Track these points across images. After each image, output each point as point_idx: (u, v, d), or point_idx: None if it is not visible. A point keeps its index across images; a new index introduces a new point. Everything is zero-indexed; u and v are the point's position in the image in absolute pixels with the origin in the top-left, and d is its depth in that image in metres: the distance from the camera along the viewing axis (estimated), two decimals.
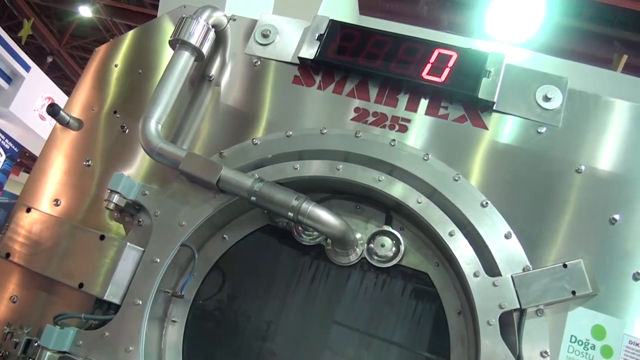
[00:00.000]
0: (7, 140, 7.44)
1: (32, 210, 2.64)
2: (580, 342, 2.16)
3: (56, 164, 2.81)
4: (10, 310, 2.56)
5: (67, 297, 2.52)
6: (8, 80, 7.02)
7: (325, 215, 2.36)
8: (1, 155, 7.44)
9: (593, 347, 2.15)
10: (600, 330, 2.17)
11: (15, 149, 7.99)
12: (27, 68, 7.21)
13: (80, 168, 2.77)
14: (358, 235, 2.56)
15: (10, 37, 8.78)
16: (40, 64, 9.19)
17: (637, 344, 2.14)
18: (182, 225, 2.47)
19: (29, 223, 2.60)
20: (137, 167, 2.72)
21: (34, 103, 7.06)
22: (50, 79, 10.06)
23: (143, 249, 2.45)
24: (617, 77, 6.88)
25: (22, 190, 2.81)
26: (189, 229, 2.46)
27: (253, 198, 2.38)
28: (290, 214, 2.35)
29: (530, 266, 2.24)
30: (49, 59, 10.92)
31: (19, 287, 2.59)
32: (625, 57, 7.22)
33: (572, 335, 2.18)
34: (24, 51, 8.76)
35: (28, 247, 2.55)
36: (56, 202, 2.72)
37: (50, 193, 2.75)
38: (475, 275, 2.25)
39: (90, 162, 2.77)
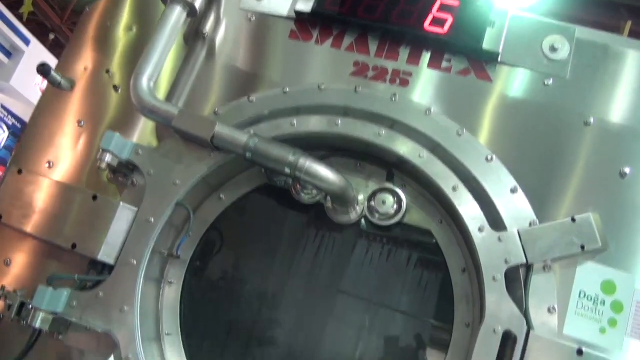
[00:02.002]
0: (9, 117, 7.38)
1: (24, 172, 2.58)
2: (589, 298, 2.09)
3: (48, 125, 2.74)
4: (3, 274, 2.52)
5: (62, 260, 2.48)
6: (8, 54, 6.93)
7: (323, 171, 2.28)
8: (4, 132, 7.38)
9: (603, 303, 2.08)
10: (611, 286, 2.10)
11: (19, 125, 7.95)
12: (27, 42, 7.12)
13: (72, 129, 2.70)
14: (360, 197, 2.49)
15: (12, 14, 8.70)
16: (43, 41, 9.09)
17: None
18: (176, 185, 2.40)
19: (21, 185, 2.55)
20: (130, 127, 2.64)
21: (34, 77, 6.99)
22: (53, 55, 9.99)
23: (137, 209, 2.40)
24: (624, 42, 6.72)
25: (14, 152, 2.75)
26: (184, 188, 2.40)
27: (249, 154, 2.30)
28: (288, 170, 2.28)
29: (537, 221, 2.16)
30: (52, 37, 10.84)
31: (12, 250, 2.55)
32: (629, 24, 7.04)
33: (581, 291, 2.10)
34: (26, 28, 8.68)
35: (20, 209, 2.51)
36: (49, 164, 2.65)
37: (42, 155, 2.68)
38: (480, 230, 2.17)
39: (82, 122, 2.70)
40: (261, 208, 2.64)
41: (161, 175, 2.42)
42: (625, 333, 2.04)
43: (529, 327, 2.04)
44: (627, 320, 2.05)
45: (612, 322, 2.06)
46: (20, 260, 2.53)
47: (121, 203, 2.40)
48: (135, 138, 2.61)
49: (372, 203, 2.47)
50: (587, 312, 2.07)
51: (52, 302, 2.25)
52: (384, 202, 2.45)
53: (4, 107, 6.86)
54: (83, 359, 2.33)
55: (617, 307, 2.07)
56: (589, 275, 2.11)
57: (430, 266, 2.45)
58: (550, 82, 2.38)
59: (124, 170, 2.51)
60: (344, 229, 2.53)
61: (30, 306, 2.27)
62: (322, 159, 2.49)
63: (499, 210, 2.19)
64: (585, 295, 2.09)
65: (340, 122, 2.38)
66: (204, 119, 2.41)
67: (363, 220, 2.51)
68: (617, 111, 2.32)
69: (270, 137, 2.38)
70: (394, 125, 2.38)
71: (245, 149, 2.30)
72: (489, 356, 2.02)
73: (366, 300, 2.51)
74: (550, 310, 2.07)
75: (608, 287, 2.09)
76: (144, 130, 2.63)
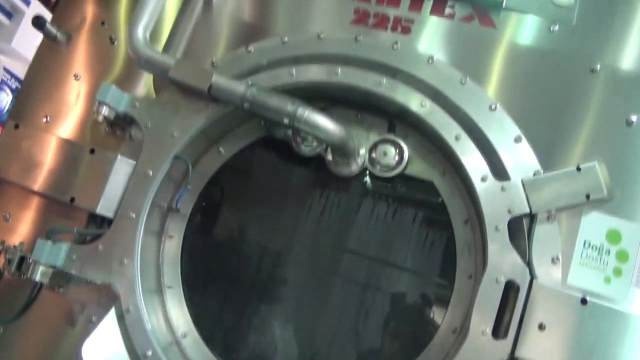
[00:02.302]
0: (12, 79, 7.29)
1: (21, 126, 2.57)
2: (594, 248, 2.05)
3: (45, 79, 2.70)
4: (3, 229, 2.52)
5: (62, 214, 2.47)
6: (9, 15, 6.79)
7: (323, 121, 2.23)
8: (8, 95, 7.32)
9: (608, 252, 2.04)
10: (616, 235, 2.05)
11: None
12: (27, 2, 6.97)
13: (69, 83, 2.66)
14: (362, 151, 2.45)
15: None
16: (46, 3, 8.95)
17: None
18: (174, 137, 2.37)
19: (18, 140, 2.54)
20: (129, 79, 2.60)
21: (36, 38, 6.88)
22: None
23: (135, 162, 2.38)
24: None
25: (11, 107, 2.73)
26: (181, 140, 2.37)
27: (246, 105, 2.26)
28: (286, 121, 2.23)
29: (542, 171, 2.11)
30: None
31: (11, 205, 2.55)
32: None
33: (585, 241, 2.06)
34: None
35: (18, 163, 2.50)
36: (46, 118, 2.63)
37: (39, 109, 2.65)
38: (483, 179, 2.13)
39: (79, 76, 2.66)
40: (261, 161, 2.61)
41: (159, 128, 2.39)
42: (630, 283, 2.00)
43: (532, 276, 2.01)
44: (632, 270, 2.01)
45: (617, 272, 2.02)
46: (19, 215, 2.53)
47: (119, 156, 2.38)
48: (135, 91, 2.57)
49: (373, 154, 2.42)
50: (592, 262, 2.04)
51: (51, 255, 2.25)
52: (385, 154, 2.41)
53: (6, 70, 6.77)
54: (84, 311, 2.34)
55: (622, 256, 2.03)
56: (594, 225, 2.07)
57: (433, 217, 2.42)
58: (556, 28, 2.29)
59: (122, 123, 2.47)
60: (344, 181, 2.49)
61: (30, 260, 2.27)
62: (321, 110, 2.45)
63: (503, 159, 2.14)
64: (589, 245, 2.05)
65: (340, 71, 2.32)
66: (201, 69, 2.36)
67: (365, 173, 2.48)
68: (624, 58, 2.22)
69: (269, 87, 2.33)
70: (396, 74, 2.31)
71: (243, 99, 2.25)
72: (491, 305, 2.00)
73: (366, 254, 2.50)
74: (554, 260, 2.03)
75: (613, 236, 2.05)
76: (143, 83, 2.59)
